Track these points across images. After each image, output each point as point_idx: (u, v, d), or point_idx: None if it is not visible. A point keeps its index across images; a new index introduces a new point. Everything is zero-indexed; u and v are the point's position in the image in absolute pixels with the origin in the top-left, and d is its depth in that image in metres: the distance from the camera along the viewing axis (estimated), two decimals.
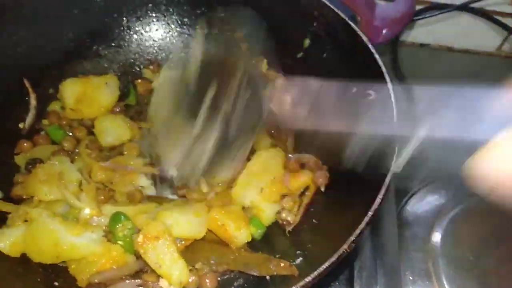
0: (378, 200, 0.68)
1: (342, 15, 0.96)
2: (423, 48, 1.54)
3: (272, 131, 1.05)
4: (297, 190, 0.94)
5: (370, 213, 0.67)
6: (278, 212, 0.90)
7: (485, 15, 1.43)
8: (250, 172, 0.92)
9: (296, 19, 1.05)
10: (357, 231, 0.65)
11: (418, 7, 1.41)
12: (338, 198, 0.89)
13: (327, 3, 0.98)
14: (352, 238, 0.65)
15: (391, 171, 0.73)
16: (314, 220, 0.89)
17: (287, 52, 1.10)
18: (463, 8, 1.40)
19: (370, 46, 0.90)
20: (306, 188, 0.94)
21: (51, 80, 1.05)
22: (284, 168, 0.96)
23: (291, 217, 0.89)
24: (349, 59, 0.97)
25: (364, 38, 0.91)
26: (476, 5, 1.39)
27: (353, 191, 0.85)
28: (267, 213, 0.89)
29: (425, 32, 1.50)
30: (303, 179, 0.94)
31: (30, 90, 1.00)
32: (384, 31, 1.00)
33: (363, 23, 1.01)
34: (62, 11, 1.02)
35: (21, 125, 0.99)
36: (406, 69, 1.38)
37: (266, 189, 0.90)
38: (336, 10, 0.97)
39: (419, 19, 1.41)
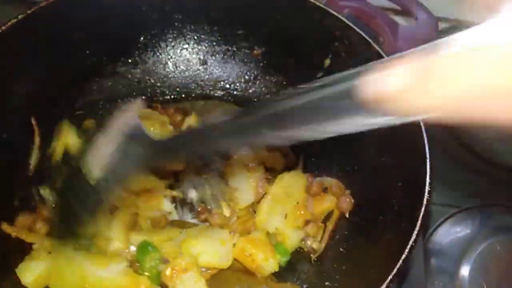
0: (413, 238, 0.67)
1: (365, 36, 0.95)
2: None
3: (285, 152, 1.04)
4: (321, 215, 0.93)
5: (406, 252, 0.66)
6: (303, 239, 0.89)
7: None
8: (273, 197, 0.91)
9: (317, 38, 1.03)
10: (394, 271, 0.64)
11: (444, 25, 1.39)
12: (365, 225, 0.89)
13: (350, 24, 0.97)
14: (390, 277, 0.63)
15: (424, 202, 0.72)
16: (341, 249, 0.89)
17: (307, 71, 1.09)
18: None
19: None
20: (330, 213, 0.94)
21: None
22: (306, 192, 0.95)
23: (316, 244, 0.88)
24: None
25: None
26: None
27: (380, 219, 0.85)
28: (291, 240, 0.88)
29: None
30: (327, 204, 0.93)
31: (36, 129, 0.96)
32: None
33: (386, 44, 1.00)
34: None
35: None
36: None
37: (290, 215, 0.89)
38: (358, 30, 0.96)
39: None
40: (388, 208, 0.83)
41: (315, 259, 0.89)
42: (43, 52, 0.95)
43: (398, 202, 0.82)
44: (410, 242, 0.67)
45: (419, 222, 0.69)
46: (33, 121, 0.95)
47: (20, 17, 0.87)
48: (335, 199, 0.93)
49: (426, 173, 0.77)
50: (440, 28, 1.37)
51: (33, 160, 0.94)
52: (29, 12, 0.88)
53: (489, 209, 1.07)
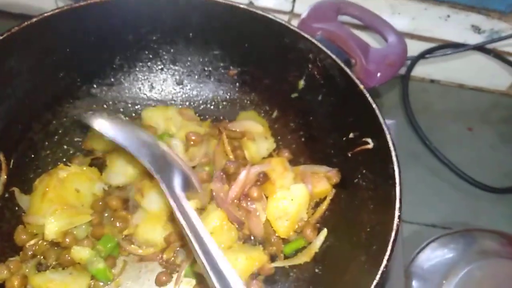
0: (384, 262, 0.69)
1: (338, 61, 0.97)
2: (433, 84, 1.54)
3: None
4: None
5: (378, 277, 0.68)
6: None
7: (498, 55, 1.45)
8: None
9: (291, 60, 1.05)
10: None
11: (431, 45, 1.43)
12: (339, 245, 0.91)
13: (323, 48, 0.99)
14: None
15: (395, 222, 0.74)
16: (316, 270, 0.91)
17: (281, 91, 1.11)
18: (478, 48, 1.42)
19: (366, 93, 0.92)
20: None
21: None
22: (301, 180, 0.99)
23: None
24: (345, 104, 0.99)
25: (360, 86, 0.93)
26: (490, 45, 1.42)
27: (354, 240, 0.87)
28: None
29: (436, 68, 1.50)
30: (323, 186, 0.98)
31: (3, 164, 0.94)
32: (378, 75, 1.02)
33: (358, 67, 1.03)
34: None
35: None
36: (414, 105, 1.39)
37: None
38: (331, 55, 0.98)
39: (431, 57, 1.43)
40: (362, 229, 0.85)
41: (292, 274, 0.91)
42: (16, 74, 0.94)
43: (370, 223, 0.85)
44: (381, 267, 0.69)
45: (389, 247, 0.71)
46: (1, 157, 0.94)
47: None
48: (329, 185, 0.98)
49: (396, 196, 0.80)
50: (424, 48, 1.43)
51: None
52: (1, 37, 0.87)
53: (472, 233, 1.10)
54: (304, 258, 0.93)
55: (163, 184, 0.80)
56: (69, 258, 0.86)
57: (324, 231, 0.95)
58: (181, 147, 1.03)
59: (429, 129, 1.36)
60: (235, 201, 0.95)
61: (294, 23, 1.09)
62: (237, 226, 0.93)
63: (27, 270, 0.86)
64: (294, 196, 0.94)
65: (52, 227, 0.86)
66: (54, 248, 0.89)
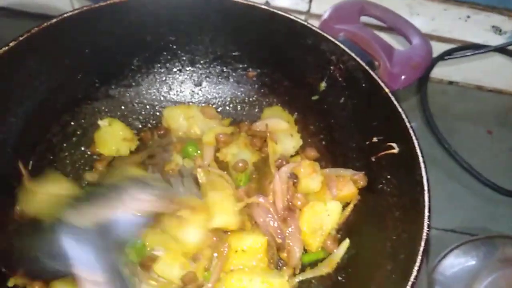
0: (414, 273, 0.67)
1: (362, 63, 0.95)
2: (452, 86, 1.50)
3: None
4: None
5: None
6: None
7: None
8: None
9: (312, 62, 1.03)
10: None
11: (451, 46, 1.40)
12: (363, 253, 0.89)
13: (346, 49, 0.97)
14: None
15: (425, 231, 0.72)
16: (339, 277, 0.89)
17: (301, 93, 1.09)
18: (498, 49, 1.38)
19: (391, 97, 0.90)
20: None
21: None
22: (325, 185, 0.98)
23: None
24: (369, 107, 0.96)
25: (386, 89, 0.91)
26: (510, 47, 1.38)
27: (378, 248, 0.85)
28: None
29: (455, 70, 1.47)
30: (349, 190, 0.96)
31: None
32: (402, 78, 1.00)
33: (381, 69, 1.00)
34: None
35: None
36: (433, 107, 1.36)
37: None
38: (355, 57, 0.96)
39: (451, 58, 1.39)
40: (387, 237, 0.83)
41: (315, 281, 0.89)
42: (34, 75, 0.93)
43: (396, 231, 0.83)
44: (411, 278, 0.67)
45: (418, 257, 0.69)
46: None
47: (11, 44, 0.85)
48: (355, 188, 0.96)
49: (424, 203, 0.77)
50: (444, 50, 1.40)
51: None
52: (21, 38, 0.86)
53: (494, 240, 1.07)
54: (326, 269, 0.91)
55: None
56: None
57: (346, 242, 0.93)
58: (212, 150, 1.02)
59: (448, 132, 1.32)
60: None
61: (311, 23, 1.07)
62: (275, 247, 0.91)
63: None
64: (331, 211, 0.93)
65: None
66: None
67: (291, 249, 0.91)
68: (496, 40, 1.39)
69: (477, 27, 1.37)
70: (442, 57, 1.40)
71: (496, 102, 1.49)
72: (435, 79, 1.50)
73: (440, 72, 1.47)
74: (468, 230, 1.19)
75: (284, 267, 0.93)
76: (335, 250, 0.92)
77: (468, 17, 1.34)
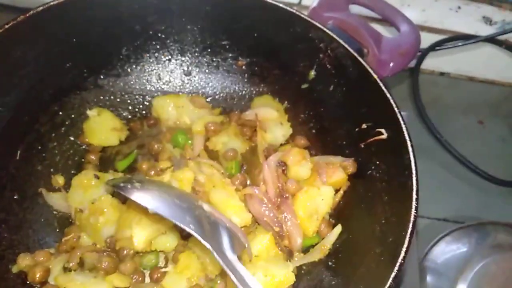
0: (402, 254, 0.68)
1: (351, 50, 0.96)
2: (442, 76, 1.51)
3: None
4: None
5: (395, 270, 0.66)
6: None
7: (510, 47, 1.42)
8: None
9: (301, 50, 1.03)
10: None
11: (442, 37, 1.40)
12: (352, 238, 0.89)
13: (335, 36, 0.97)
14: None
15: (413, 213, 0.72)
16: (329, 263, 0.89)
17: (291, 82, 1.09)
18: (489, 40, 1.39)
19: (380, 83, 0.90)
20: None
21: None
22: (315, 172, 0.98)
23: None
24: (358, 94, 0.97)
25: (374, 75, 0.91)
26: (501, 37, 1.39)
27: (367, 233, 0.85)
28: None
29: (446, 61, 1.48)
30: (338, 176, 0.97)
31: None
32: (391, 65, 1.00)
33: (370, 56, 1.01)
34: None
35: None
36: (424, 98, 1.37)
37: None
38: (344, 44, 0.96)
39: (442, 49, 1.40)
40: (376, 221, 0.84)
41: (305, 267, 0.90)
42: (22, 64, 0.92)
43: (385, 215, 0.83)
44: (399, 259, 0.67)
45: (406, 238, 0.70)
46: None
47: None
48: (345, 175, 0.97)
49: (412, 187, 0.78)
50: (435, 40, 1.40)
51: None
52: (6, 26, 0.85)
53: (485, 227, 1.08)
54: (318, 255, 0.91)
55: (213, 252, 0.75)
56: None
57: (339, 227, 0.93)
58: (202, 140, 1.01)
59: (439, 122, 1.34)
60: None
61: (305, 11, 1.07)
62: (277, 237, 0.91)
63: (51, 264, 0.84)
64: (325, 196, 0.93)
65: (141, 236, 0.84)
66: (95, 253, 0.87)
67: (291, 234, 0.92)
68: (487, 31, 1.40)
69: (468, 18, 1.38)
70: (433, 47, 1.41)
71: (487, 93, 1.51)
72: (427, 70, 1.50)
73: (431, 63, 1.48)
74: (460, 218, 1.21)
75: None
76: (328, 235, 0.93)
77: (459, 7, 1.35)
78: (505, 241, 1.05)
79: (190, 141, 1.06)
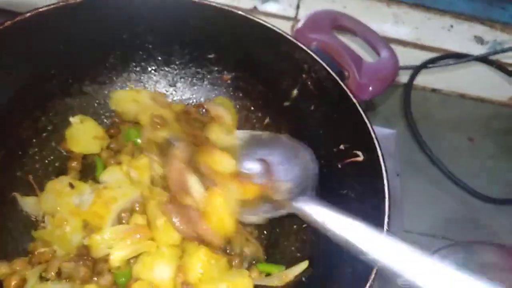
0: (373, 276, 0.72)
1: (332, 73, 0.99)
2: (434, 93, 1.53)
3: None
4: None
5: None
6: None
7: (500, 66, 1.46)
8: None
9: (285, 68, 1.06)
10: None
11: (434, 55, 1.44)
12: (324, 257, 0.93)
13: (318, 59, 1.01)
14: None
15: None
16: (303, 278, 0.92)
17: (274, 99, 1.12)
18: (480, 59, 1.42)
19: (359, 107, 0.94)
20: None
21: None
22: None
23: None
24: (337, 116, 1.01)
25: (354, 99, 0.95)
26: (492, 57, 1.43)
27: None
28: None
29: (438, 78, 1.50)
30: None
31: None
32: (370, 89, 1.05)
33: (350, 79, 1.05)
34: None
35: None
36: (415, 114, 1.39)
37: None
38: (326, 67, 1.00)
39: (434, 66, 1.42)
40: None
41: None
42: (6, 69, 0.92)
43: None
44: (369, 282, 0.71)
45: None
46: None
47: None
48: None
49: (385, 209, 0.82)
50: (427, 58, 1.44)
51: None
52: None
53: (472, 246, 1.10)
54: (276, 281, 0.91)
55: None
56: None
57: (305, 263, 0.93)
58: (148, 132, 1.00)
59: (430, 139, 1.36)
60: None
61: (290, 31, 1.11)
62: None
63: (28, 274, 0.83)
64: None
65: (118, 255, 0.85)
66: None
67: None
68: (478, 50, 1.43)
69: (460, 37, 1.41)
70: (426, 65, 1.44)
71: (477, 110, 1.53)
72: (419, 86, 1.52)
73: (423, 79, 1.50)
74: (448, 235, 1.23)
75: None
76: (293, 268, 0.92)
77: (452, 26, 1.39)
78: (491, 260, 1.07)
79: None
